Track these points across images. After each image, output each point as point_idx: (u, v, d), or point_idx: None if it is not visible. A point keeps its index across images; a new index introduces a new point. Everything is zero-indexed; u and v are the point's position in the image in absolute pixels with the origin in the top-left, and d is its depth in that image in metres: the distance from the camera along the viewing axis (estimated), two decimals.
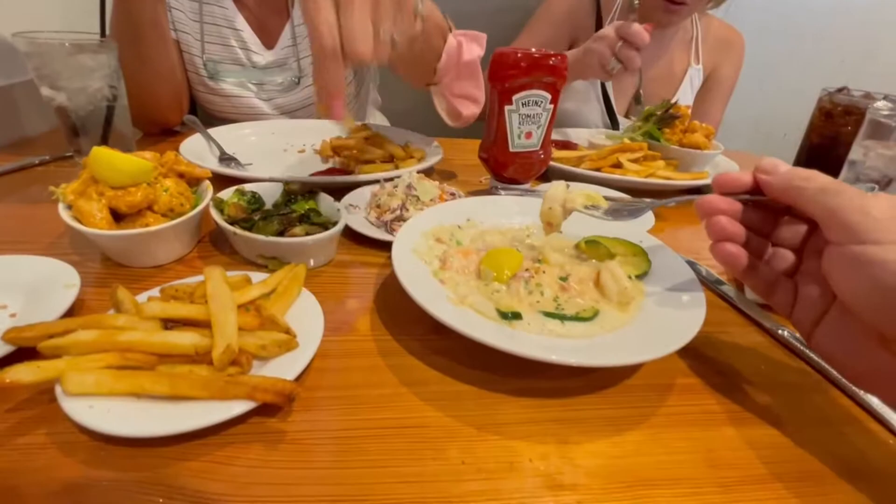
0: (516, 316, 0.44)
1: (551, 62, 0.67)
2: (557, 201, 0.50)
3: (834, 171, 0.39)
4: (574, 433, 0.37)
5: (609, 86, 1.25)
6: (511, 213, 0.61)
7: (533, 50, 0.68)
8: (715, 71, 1.32)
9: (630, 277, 0.49)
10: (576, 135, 1.10)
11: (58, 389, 0.32)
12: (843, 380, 0.43)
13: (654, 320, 0.44)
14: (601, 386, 0.41)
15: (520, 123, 0.70)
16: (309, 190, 0.60)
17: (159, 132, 0.95)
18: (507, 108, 0.68)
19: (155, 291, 0.43)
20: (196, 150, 0.78)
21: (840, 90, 0.88)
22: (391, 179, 0.67)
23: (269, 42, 1.01)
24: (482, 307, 0.44)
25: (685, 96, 1.29)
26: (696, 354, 0.46)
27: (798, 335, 0.48)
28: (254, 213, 0.56)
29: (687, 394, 0.42)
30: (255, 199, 0.59)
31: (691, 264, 0.59)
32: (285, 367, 0.36)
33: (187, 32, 0.96)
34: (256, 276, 0.46)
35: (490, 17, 1.52)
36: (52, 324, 0.37)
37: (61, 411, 0.31)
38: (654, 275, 0.51)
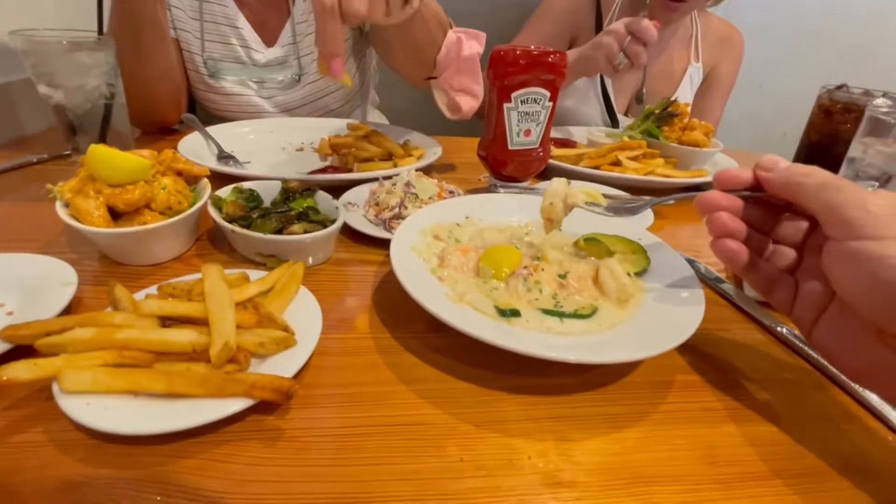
0: (515, 313, 0.43)
1: (550, 60, 0.67)
2: (559, 196, 0.50)
3: (833, 168, 0.39)
4: (573, 430, 0.37)
5: (609, 84, 1.24)
6: (510, 210, 0.61)
7: (532, 47, 0.68)
8: (715, 68, 1.32)
9: (629, 275, 0.49)
10: (575, 133, 1.10)
11: (55, 387, 0.32)
12: (842, 377, 0.43)
13: (653, 317, 0.44)
14: (600, 383, 0.41)
15: (519, 121, 0.70)
16: (307, 188, 0.60)
17: (157, 130, 0.95)
18: (505, 105, 0.68)
19: (153, 289, 0.43)
20: (194, 148, 0.78)
21: (839, 88, 0.88)
22: (390, 177, 0.67)
23: (269, 40, 1.01)
24: (481, 305, 0.44)
25: (685, 94, 1.29)
26: (695, 352, 0.46)
27: (797, 332, 0.48)
28: (252, 211, 0.55)
29: (686, 391, 0.42)
30: (254, 197, 0.59)
31: (690, 262, 0.59)
32: (283, 365, 0.36)
33: (187, 31, 0.96)
34: (254, 274, 0.46)
35: (488, 15, 1.52)
36: (50, 321, 0.37)
37: (58, 409, 0.31)
38: (652, 272, 0.51)
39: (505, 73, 0.67)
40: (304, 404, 0.36)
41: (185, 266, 0.53)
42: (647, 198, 0.51)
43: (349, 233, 0.60)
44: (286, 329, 0.38)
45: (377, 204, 0.63)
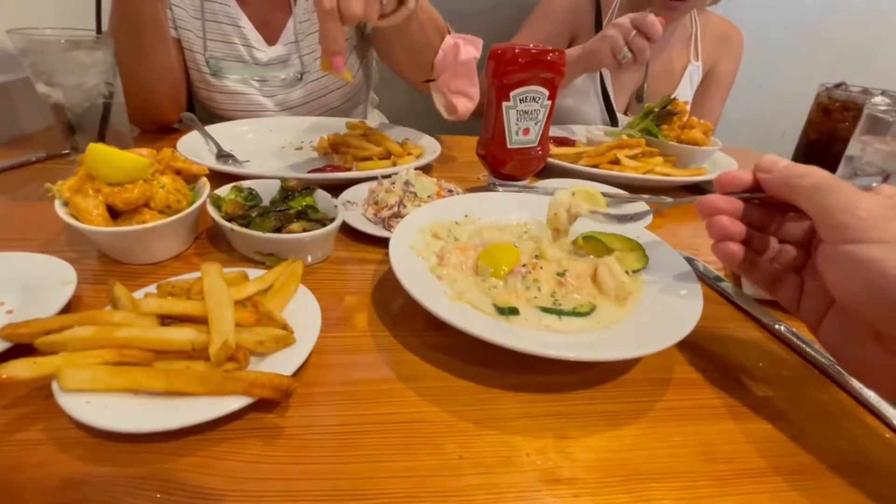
0: (513, 311, 0.44)
1: (549, 58, 0.67)
2: (562, 207, 0.52)
3: (832, 167, 0.39)
4: (571, 427, 0.37)
5: (608, 83, 1.24)
6: (509, 209, 0.61)
7: (531, 46, 0.68)
8: (714, 67, 1.32)
9: (627, 273, 0.49)
10: (574, 131, 1.10)
11: (55, 385, 0.32)
12: (840, 375, 0.43)
13: (652, 315, 0.44)
14: (598, 381, 0.41)
15: (517, 120, 0.70)
16: (306, 186, 0.60)
17: (156, 129, 0.95)
18: (504, 104, 0.68)
19: (152, 288, 0.43)
20: (193, 147, 0.78)
21: (838, 86, 0.88)
22: (389, 176, 0.67)
23: (271, 38, 1.01)
24: (479, 303, 0.44)
25: (684, 93, 1.29)
26: (694, 349, 0.46)
27: (795, 330, 0.48)
28: (251, 210, 0.56)
29: (684, 388, 0.42)
30: (253, 196, 0.59)
31: (689, 260, 0.59)
32: (282, 363, 0.36)
33: (189, 30, 0.96)
34: (253, 273, 0.46)
35: (487, 14, 1.52)
36: (49, 320, 0.37)
37: (58, 407, 0.31)
38: (651, 270, 0.51)
39: (504, 71, 0.67)
40: (303, 402, 0.37)
41: (185, 265, 0.53)
42: (645, 204, 0.52)
43: (348, 231, 0.60)
44: (285, 327, 0.39)
45: (376, 202, 0.63)
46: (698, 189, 0.88)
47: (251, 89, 1.02)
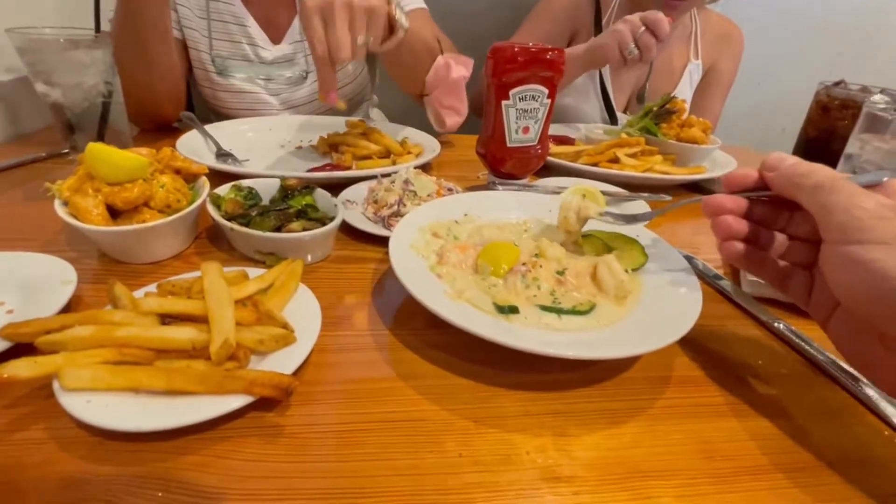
0: (513, 310, 0.44)
1: (549, 57, 0.67)
2: (572, 210, 0.53)
3: (831, 164, 0.39)
4: (571, 426, 0.37)
5: (608, 82, 1.24)
6: (508, 207, 0.61)
7: (530, 45, 0.68)
8: (714, 65, 1.32)
9: (627, 271, 0.49)
10: (574, 130, 1.10)
11: (55, 385, 0.32)
12: (839, 372, 0.43)
13: (651, 313, 0.44)
14: (598, 379, 0.41)
15: (517, 118, 0.70)
16: (306, 185, 0.60)
17: (156, 128, 0.95)
18: (504, 103, 0.68)
19: (152, 287, 0.43)
20: (193, 146, 0.78)
21: (837, 84, 0.88)
22: (388, 175, 0.67)
23: (276, 37, 1.01)
24: (479, 301, 0.44)
25: (684, 91, 1.29)
26: (693, 347, 0.46)
27: (794, 328, 0.48)
28: (251, 209, 0.56)
29: (683, 386, 0.42)
30: (252, 195, 0.59)
31: (688, 259, 0.59)
32: (283, 362, 0.36)
33: (194, 29, 0.96)
34: (253, 272, 0.46)
35: (486, 13, 1.51)
36: (49, 319, 0.37)
37: (59, 406, 0.31)
38: (650, 268, 0.51)
39: (503, 70, 0.67)
40: (303, 401, 0.37)
41: (185, 264, 0.53)
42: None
43: (348, 230, 0.60)
44: (285, 326, 0.39)
45: (376, 201, 0.63)
46: (698, 187, 0.88)
47: (257, 88, 1.03)
